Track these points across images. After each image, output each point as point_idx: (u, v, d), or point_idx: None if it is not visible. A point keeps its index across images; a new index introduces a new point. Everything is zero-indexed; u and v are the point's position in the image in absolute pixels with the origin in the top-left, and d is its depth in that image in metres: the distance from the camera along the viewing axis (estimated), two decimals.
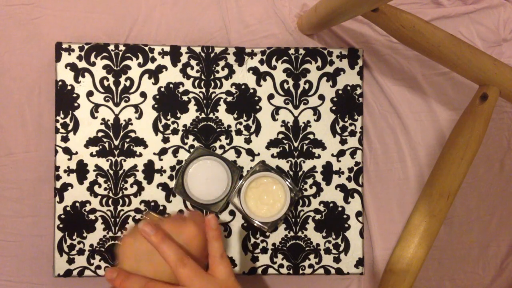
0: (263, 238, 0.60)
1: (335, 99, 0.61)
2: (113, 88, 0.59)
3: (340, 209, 0.61)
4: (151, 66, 0.59)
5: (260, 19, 0.64)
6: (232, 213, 0.60)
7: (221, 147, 0.60)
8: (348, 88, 0.61)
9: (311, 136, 0.61)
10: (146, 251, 0.45)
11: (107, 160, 0.59)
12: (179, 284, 0.43)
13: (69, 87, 0.58)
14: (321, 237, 0.60)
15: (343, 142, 0.61)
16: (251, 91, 0.60)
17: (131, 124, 0.59)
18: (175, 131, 0.59)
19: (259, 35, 0.64)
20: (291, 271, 0.60)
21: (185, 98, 0.60)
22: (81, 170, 0.58)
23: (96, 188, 0.58)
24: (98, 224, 0.58)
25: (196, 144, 0.59)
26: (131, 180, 0.59)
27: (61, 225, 0.58)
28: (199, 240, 0.46)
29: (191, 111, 0.60)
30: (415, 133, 0.66)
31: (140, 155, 0.59)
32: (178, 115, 0.59)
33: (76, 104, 0.59)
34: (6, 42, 0.61)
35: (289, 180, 0.58)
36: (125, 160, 0.59)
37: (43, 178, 0.61)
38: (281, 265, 0.60)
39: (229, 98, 0.60)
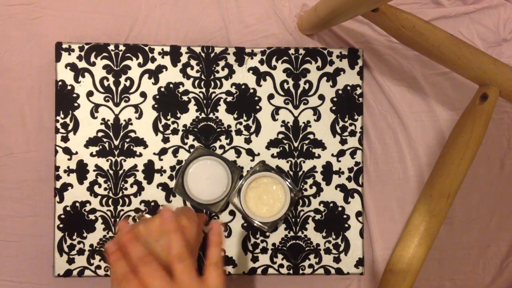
0: (263, 238, 0.60)
1: (335, 99, 0.61)
2: (113, 88, 0.59)
3: (340, 209, 0.61)
4: (151, 66, 0.59)
5: (260, 19, 0.64)
6: (232, 213, 0.60)
7: (221, 147, 0.60)
8: (348, 88, 0.61)
9: (311, 136, 0.61)
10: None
11: (107, 160, 0.59)
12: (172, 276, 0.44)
13: (69, 87, 0.58)
14: (321, 237, 0.60)
15: (343, 142, 0.61)
16: (251, 91, 0.60)
17: (131, 124, 0.59)
18: (175, 131, 0.59)
19: (259, 35, 0.64)
20: (291, 271, 0.60)
21: (185, 98, 0.60)
22: (81, 170, 0.58)
23: (96, 188, 0.58)
24: (98, 224, 0.58)
25: (196, 144, 0.59)
26: (131, 180, 0.59)
27: (61, 225, 0.58)
28: (190, 233, 0.46)
29: (191, 111, 0.60)
30: (415, 133, 0.66)
31: (140, 155, 0.59)
32: (178, 115, 0.59)
33: (76, 104, 0.59)
34: (6, 42, 0.61)
35: (289, 180, 0.58)
36: (125, 160, 0.59)
37: (43, 178, 0.61)
38: (281, 265, 0.60)
39: (229, 98, 0.60)
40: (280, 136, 0.60)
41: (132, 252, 0.44)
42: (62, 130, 0.58)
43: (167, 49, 0.59)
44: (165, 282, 0.42)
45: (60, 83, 0.58)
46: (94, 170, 0.58)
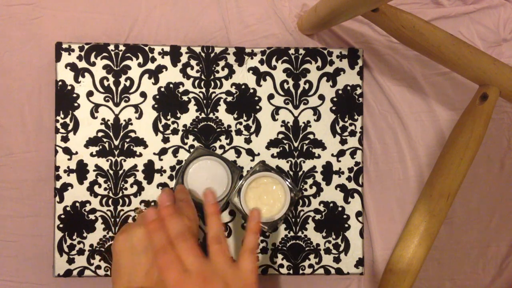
0: (263, 238, 0.60)
1: (335, 99, 0.61)
2: (113, 88, 0.59)
3: (340, 209, 0.61)
4: (151, 66, 0.59)
5: (260, 19, 0.64)
6: (232, 213, 0.60)
7: (221, 147, 0.60)
8: (348, 88, 0.61)
9: (311, 136, 0.61)
10: (143, 245, 0.45)
11: (107, 160, 0.59)
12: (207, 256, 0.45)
13: (69, 87, 0.58)
14: (321, 237, 0.60)
15: (343, 142, 0.61)
16: (251, 91, 0.60)
17: (131, 124, 0.59)
18: (175, 131, 0.59)
19: (259, 35, 0.64)
20: (291, 271, 0.60)
21: (185, 98, 0.60)
22: (81, 170, 0.58)
23: (96, 188, 0.58)
24: (98, 224, 0.58)
25: (196, 144, 0.59)
26: (131, 180, 0.59)
27: (61, 225, 0.58)
28: (192, 231, 0.47)
29: (191, 111, 0.60)
30: (415, 133, 0.66)
31: (140, 155, 0.59)
32: (178, 115, 0.59)
33: (76, 104, 0.59)
34: (6, 42, 0.61)
35: (289, 180, 0.58)
36: (125, 160, 0.59)
37: (43, 178, 0.61)
38: (281, 265, 0.60)
39: (229, 98, 0.60)
40: (280, 136, 0.60)
41: (170, 226, 0.45)
42: (62, 130, 0.58)
43: (167, 49, 0.59)
44: (200, 260, 0.43)
45: (60, 83, 0.58)
46: (94, 170, 0.58)
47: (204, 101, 0.60)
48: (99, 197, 0.58)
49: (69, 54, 0.58)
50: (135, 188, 0.59)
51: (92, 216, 0.58)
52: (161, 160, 0.59)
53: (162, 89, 0.59)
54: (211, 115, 0.60)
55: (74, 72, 0.59)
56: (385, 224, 0.65)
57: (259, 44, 0.64)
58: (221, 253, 0.45)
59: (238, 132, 0.60)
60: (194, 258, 0.43)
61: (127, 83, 0.59)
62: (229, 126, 0.60)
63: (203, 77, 0.60)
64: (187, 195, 0.53)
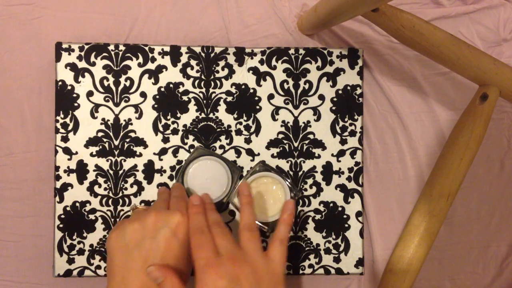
0: (263, 238, 0.60)
1: (335, 99, 0.61)
2: (113, 88, 0.59)
3: (340, 209, 0.61)
4: (151, 66, 0.59)
5: (260, 19, 0.64)
6: (232, 213, 0.60)
7: (221, 147, 0.60)
8: (348, 88, 0.61)
9: (311, 136, 0.61)
10: (135, 242, 0.45)
11: (107, 160, 0.59)
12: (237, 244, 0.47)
13: (69, 87, 0.59)
14: (321, 237, 0.60)
15: (343, 142, 0.61)
16: (251, 91, 0.60)
17: (131, 124, 0.59)
18: (175, 131, 0.59)
19: (259, 35, 0.64)
20: (291, 271, 0.60)
21: (185, 98, 0.60)
22: (81, 170, 0.58)
23: (96, 188, 0.58)
24: (98, 224, 0.58)
25: (196, 144, 0.59)
26: (131, 180, 0.59)
27: (61, 225, 0.58)
28: (184, 228, 0.47)
29: (191, 111, 0.60)
30: (415, 133, 0.66)
31: (140, 155, 0.59)
32: (178, 115, 0.59)
33: (76, 104, 0.59)
34: (6, 42, 0.61)
35: (289, 180, 0.58)
36: (125, 160, 0.59)
37: (43, 178, 0.61)
38: None
39: (229, 98, 0.60)
40: (280, 136, 0.60)
41: (210, 214, 0.49)
42: (62, 130, 0.58)
43: (167, 49, 0.59)
44: (232, 245, 0.45)
45: (60, 83, 0.58)
46: (94, 170, 0.58)
47: (204, 101, 0.60)
48: (99, 197, 0.58)
49: (69, 54, 0.58)
50: (135, 188, 0.59)
51: (92, 216, 0.58)
52: (161, 160, 0.59)
53: (162, 89, 0.59)
54: (211, 115, 0.60)
55: (74, 72, 0.59)
56: (385, 224, 0.65)
57: (259, 44, 0.64)
58: (252, 240, 0.47)
59: (238, 132, 0.60)
60: (227, 242, 0.45)
61: (127, 83, 0.59)
62: (229, 126, 0.60)
63: (203, 77, 0.60)
64: (183, 191, 0.54)
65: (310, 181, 0.60)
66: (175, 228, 0.46)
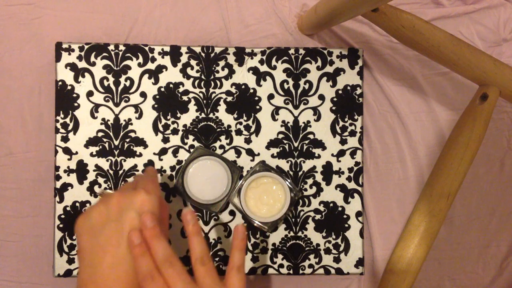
0: (263, 238, 0.60)
1: (335, 99, 0.61)
2: (113, 88, 0.59)
3: (340, 209, 0.61)
4: (151, 66, 0.59)
5: (260, 19, 0.64)
6: (232, 213, 0.60)
7: (221, 147, 0.60)
8: (348, 88, 0.61)
9: (311, 136, 0.61)
10: (101, 224, 0.45)
11: (107, 160, 0.59)
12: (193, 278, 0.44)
13: (69, 87, 0.58)
14: (321, 237, 0.60)
15: (343, 142, 0.61)
16: (251, 91, 0.60)
17: (131, 124, 0.59)
18: (175, 131, 0.59)
19: (259, 35, 0.64)
20: (291, 271, 0.60)
21: (185, 98, 0.60)
22: (81, 170, 0.58)
23: (96, 188, 0.58)
24: None
25: (196, 144, 0.59)
26: (131, 180, 0.59)
27: (61, 225, 0.58)
28: (151, 206, 0.45)
29: (191, 111, 0.60)
30: (415, 133, 0.66)
31: (140, 155, 0.59)
32: (178, 115, 0.59)
33: (76, 104, 0.59)
34: (6, 42, 0.61)
35: (289, 180, 0.58)
36: (125, 160, 0.59)
37: (43, 178, 0.61)
38: (281, 265, 0.60)
39: (229, 98, 0.60)
40: (280, 136, 0.60)
41: (156, 250, 0.44)
42: (62, 130, 0.58)
43: (167, 49, 0.59)
44: (188, 284, 0.43)
45: (60, 83, 0.58)
46: (94, 170, 0.58)
47: (204, 101, 0.60)
48: (99, 197, 0.58)
49: (69, 54, 0.58)
50: None
51: None
52: (161, 160, 0.59)
53: (162, 89, 0.59)
54: (211, 115, 0.60)
55: (74, 72, 0.59)
56: (385, 224, 0.65)
57: (259, 44, 0.64)
58: (207, 274, 0.44)
59: (238, 132, 0.60)
60: (183, 284, 0.43)
61: (127, 83, 0.59)
62: (229, 126, 0.60)
63: (203, 77, 0.60)
64: (152, 172, 0.52)
65: (310, 181, 0.60)
66: (139, 207, 0.45)
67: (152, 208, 0.45)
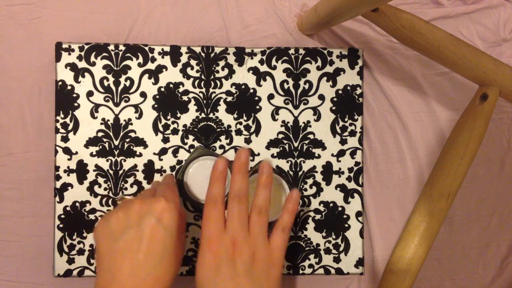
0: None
1: (335, 99, 0.61)
2: (113, 88, 0.59)
3: (340, 209, 0.61)
4: (151, 66, 0.59)
5: (260, 19, 0.64)
6: None
7: (221, 147, 0.60)
8: (348, 88, 0.61)
9: (311, 136, 0.61)
10: (120, 230, 0.45)
11: (107, 160, 0.59)
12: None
13: (69, 87, 0.59)
14: (321, 237, 0.60)
15: (343, 142, 0.61)
16: (251, 91, 0.60)
17: (131, 124, 0.59)
18: (175, 131, 0.59)
19: (259, 35, 0.64)
20: (291, 271, 0.60)
21: (185, 98, 0.60)
22: (81, 170, 0.58)
23: (96, 188, 0.58)
24: None
25: (196, 144, 0.59)
26: (131, 180, 0.59)
27: (61, 225, 0.58)
28: (170, 214, 0.46)
29: (191, 111, 0.60)
30: (415, 133, 0.66)
31: (140, 155, 0.59)
32: (178, 115, 0.59)
33: (76, 104, 0.59)
34: (6, 42, 0.61)
35: (289, 180, 0.58)
36: (125, 160, 0.59)
37: (43, 178, 0.61)
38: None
39: (229, 98, 0.60)
40: (280, 136, 0.60)
41: (235, 182, 0.48)
42: (62, 130, 0.58)
43: (167, 49, 0.59)
44: (241, 226, 0.46)
45: (60, 83, 0.58)
46: (94, 170, 0.58)
47: (204, 101, 0.60)
48: (99, 197, 0.58)
49: (69, 54, 0.58)
50: (135, 188, 0.59)
51: (92, 216, 0.58)
52: (161, 160, 0.59)
53: (162, 89, 0.59)
54: (211, 115, 0.60)
55: (74, 72, 0.59)
56: (385, 224, 0.65)
57: (259, 44, 0.64)
58: (259, 224, 0.47)
59: (238, 132, 0.60)
60: (237, 222, 0.46)
61: (127, 83, 0.59)
62: (229, 126, 0.60)
63: (203, 77, 0.60)
64: (171, 180, 0.54)
65: (310, 181, 0.60)
66: (160, 215, 0.45)
67: (171, 216, 0.46)
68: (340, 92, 0.61)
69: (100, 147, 0.59)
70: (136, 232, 0.45)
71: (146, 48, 0.59)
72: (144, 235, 0.44)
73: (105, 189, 0.59)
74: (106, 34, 0.62)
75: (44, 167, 0.61)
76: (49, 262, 0.60)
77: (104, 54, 0.59)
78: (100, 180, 0.59)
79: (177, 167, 0.59)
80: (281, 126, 0.60)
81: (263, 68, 0.60)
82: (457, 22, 0.67)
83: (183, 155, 0.59)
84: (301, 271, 0.60)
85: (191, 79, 0.60)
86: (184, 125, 0.59)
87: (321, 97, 0.61)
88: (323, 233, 0.60)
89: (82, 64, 0.59)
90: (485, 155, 0.67)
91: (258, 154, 0.60)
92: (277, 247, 0.48)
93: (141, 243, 0.44)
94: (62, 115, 0.58)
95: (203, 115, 0.60)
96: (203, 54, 0.60)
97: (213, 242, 0.45)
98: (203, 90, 0.60)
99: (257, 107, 0.60)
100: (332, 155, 0.61)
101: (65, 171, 0.58)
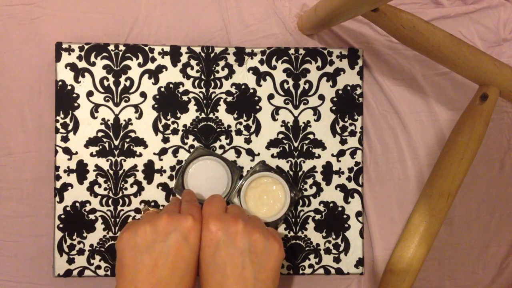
0: None
1: (335, 99, 0.61)
2: (113, 88, 0.59)
3: (340, 209, 0.61)
4: (151, 66, 0.59)
5: (260, 19, 0.64)
6: None
7: (221, 147, 0.60)
8: (348, 88, 0.61)
9: (311, 136, 0.61)
10: (146, 244, 0.45)
11: (107, 160, 0.59)
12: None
13: (69, 87, 0.59)
14: (321, 237, 0.60)
15: (343, 142, 0.61)
16: (251, 91, 0.60)
17: (131, 124, 0.59)
18: (175, 131, 0.59)
19: (259, 35, 0.64)
20: (291, 271, 0.60)
21: (185, 98, 0.60)
22: (81, 170, 0.58)
23: (96, 188, 0.58)
24: (98, 224, 0.58)
25: (196, 144, 0.59)
26: (131, 180, 0.59)
27: (61, 225, 0.58)
28: (196, 233, 0.47)
29: (191, 111, 0.60)
30: (415, 133, 0.66)
31: (140, 155, 0.59)
32: (178, 115, 0.59)
33: (76, 104, 0.59)
34: (6, 42, 0.61)
35: (289, 180, 0.58)
36: (125, 160, 0.59)
37: (43, 178, 0.61)
38: (281, 265, 0.60)
39: (229, 98, 0.60)
40: (280, 136, 0.60)
41: (184, 197, 0.54)
42: (62, 130, 0.58)
43: (167, 49, 0.59)
44: (241, 211, 0.52)
45: (60, 83, 0.58)
46: (94, 170, 0.58)
47: (204, 101, 0.60)
48: (99, 197, 0.58)
49: (69, 54, 0.58)
50: (135, 188, 0.59)
51: (92, 216, 0.58)
52: (161, 160, 0.59)
53: (162, 89, 0.59)
54: (211, 115, 0.60)
55: (74, 72, 0.59)
56: (385, 224, 0.65)
57: (259, 44, 0.64)
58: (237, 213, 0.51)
59: (238, 132, 0.60)
60: (238, 209, 0.51)
61: (127, 83, 0.59)
62: (229, 126, 0.60)
63: (203, 77, 0.60)
64: (193, 196, 0.54)
65: (310, 181, 0.60)
66: (187, 232, 0.46)
67: (197, 235, 0.47)
68: (340, 92, 0.61)
69: (100, 147, 0.59)
70: (162, 247, 0.45)
71: (146, 48, 0.59)
72: (170, 252, 0.45)
73: (105, 189, 0.59)
74: (106, 34, 0.62)
75: (44, 167, 0.61)
76: (49, 262, 0.60)
77: (104, 54, 0.59)
78: (100, 180, 0.59)
79: (177, 167, 0.59)
80: (281, 126, 0.60)
81: (263, 68, 0.60)
82: (457, 22, 0.67)
83: (183, 155, 0.59)
84: (301, 271, 0.60)
85: (191, 79, 0.60)
86: (184, 125, 0.59)
87: (321, 97, 0.61)
88: (323, 233, 0.60)
89: (82, 64, 0.59)
90: (485, 155, 0.67)
91: (258, 154, 0.60)
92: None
93: (167, 260, 0.45)
94: (62, 115, 0.58)
95: (203, 115, 0.60)
96: (203, 54, 0.60)
97: (214, 217, 0.48)
98: (203, 90, 0.60)
99: (257, 107, 0.60)
100: (332, 155, 0.61)
101: (65, 171, 0.58)
